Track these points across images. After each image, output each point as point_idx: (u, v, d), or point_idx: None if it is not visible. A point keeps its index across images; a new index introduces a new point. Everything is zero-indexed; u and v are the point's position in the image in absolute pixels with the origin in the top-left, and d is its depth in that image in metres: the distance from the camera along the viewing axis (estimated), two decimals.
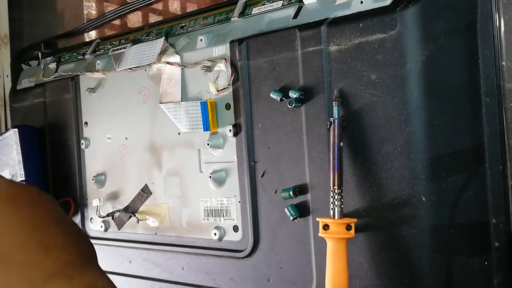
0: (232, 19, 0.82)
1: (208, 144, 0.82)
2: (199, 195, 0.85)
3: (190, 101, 0.84)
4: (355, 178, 0.67)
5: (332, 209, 0.65)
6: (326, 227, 0.65)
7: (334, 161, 0.65)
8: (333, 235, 0.65)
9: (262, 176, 0.77)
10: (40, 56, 1.21)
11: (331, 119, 0.67)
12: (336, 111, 0.67)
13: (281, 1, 0.77)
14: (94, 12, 1.40)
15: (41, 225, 0.40)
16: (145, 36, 0.98)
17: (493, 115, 0.65)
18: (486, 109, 0.65)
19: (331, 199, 0.65)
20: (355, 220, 0.66)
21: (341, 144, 0.66)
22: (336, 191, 0.65)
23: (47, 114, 1.13)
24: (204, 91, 0.84)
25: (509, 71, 0.65)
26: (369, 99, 0.65)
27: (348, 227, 0.65)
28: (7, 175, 1.09)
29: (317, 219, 0.67)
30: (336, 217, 0.65)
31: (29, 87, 1.19)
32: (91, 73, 1.01)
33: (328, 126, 0.68)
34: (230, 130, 0.80)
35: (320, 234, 0.66)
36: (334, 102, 0.67)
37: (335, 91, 0.68)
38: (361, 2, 0.67)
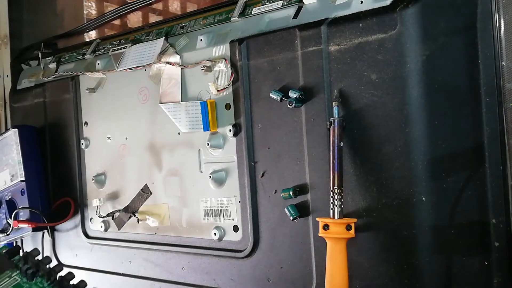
0: (232, 19, 0.82)
1: (208, 144, 0.82)
2: (199, 195, 0.85)
3: (190, 101, 0.84)
4: (355, 178, 0.67)
5: (332, 209, 0.65)
6: (326, 227, 0.65)
7: (334, 161, 0.65)
8: (333, 235, 0.65)
9: (262, 176, 0.77)
10: (40, 56, 1.21)
11: (331, 119, 0.67)
12: (336, 111, 0.67)
13: (281, 1, 0.77)
14: (94, 12, 1.40)
15: None
16: (145, 36, 0.98)
17: (493, 115, 0.65)
18: (486, 109, 0.65)
19: (331, 199, 0.65)
20: (355, 220, 0.66)
21: (341, 144, 0.66)
22: (336, 191, 0.65)
23: (47, 114, 1.13)
24: (204, 91, 0.84)
25: (509, 71, 0.65)
26: (369, 99, 0.65)
27: (348, 227, 0.65)
28: (7, 175, 1.09)
29: (317, 219, 0.67)
30: (336, 217, 0.65)
31: (29, 87, 1.19)
32: (91, 73, 1.01)
33: (328, 126, 0.68)
34: (230, 130, 0.80)
35: (320, 234, 0.66)
36: (334, 102, 0.67)
37: (335, 91, 0.68)
38: (361, 2, 0.67)
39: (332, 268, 0.65)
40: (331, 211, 0.65)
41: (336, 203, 0.65)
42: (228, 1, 0.86)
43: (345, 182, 0.66)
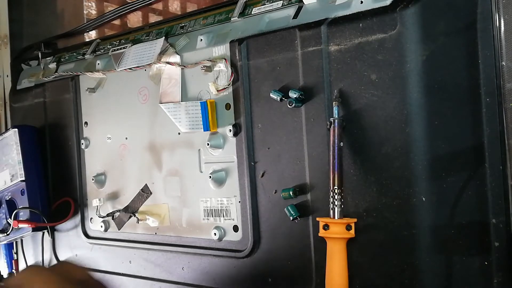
0: (232, 19, 0.82)
1: (208, 144, 0.82)
2: (199, 195, 0.85)
3: (190, 101, 0.84)
4: (355, 178, 0.67)
5: (332, 209, 0.65)
6: (326, 227, 0.65)
7: (334, 161, 0.65)
8: (333, 235, 0.65)
9: (262, 176, 0.77)
10: (40, 56, 1.21)
11: (331, 119, 0.67)
12: (336, 111, 0.67)
13: (281, 1, 0.77)
14: (94, 12, 1.40)
15: None
16: (145, 36, 0.98)
17: (493, 115, 0.65)
18: (486, 109, 0.65)
19: (331, 199, 0.65)
20: (355, 220, 0.66)
21: (341, 144, 0.66)
22: (336, 191, 0.65)
23: (47, 114, 1.13)
24: (204, 91, 0.84)
25: (509, 71, 0.65)
26: (369, 99, 0.65)
27: (348, 227, 0.65)
28: (7, 175, 1.09)
29: (317, 219, 0.67)
30: (336, 217, 0.65)
31: (29, 87, 1.19)
32: (91, 73, 1.01)
33: (328, 126, 0.68)
34: (230, 130, 0.80)
35: (320, 234, 0.66)
36: (334, 102, 0.67)
37: (335, 91, 0.68)
38: (361, 2, 0.67)
39: (332, 268, 0.65)
40: (331, 211, 0.65)
41: (336, 203, 0.65)
42: (228, 1, 0.86)
43: (345, 182, 0.66)
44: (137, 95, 0.95)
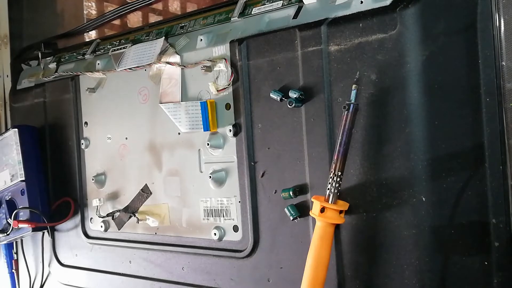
0: (232, 19, 0.82)
1: (208, 144, 0.82)
2: (199, 195, 0.85)
3: (190, 101, 0.84)
4: (355, 178, 0.67)
5: (332, 192, 0.64)
6: (322, 210, 0.65)
7: (341, 147, 0.64)
8: (328, 219, 0.64)
9: (262, 176, 0.77)
10: (40, 56, 1.21)
11: (347, 102, 0.65)
12: (353, 95, 0.65)
13: (281, 1, 0.77)
14: (94, 12, 1.40)
15: None
16: (145, 36, 0.98)
17: (493, 115, 0.65)
18: (486, 109, 0.65)
19: (332, 183, 0.64)
20: (347, 205, 0.66)
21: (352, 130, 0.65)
22: (337, 177, 0.64)
23: (47, 114, 1.13)
24: (204, 91, 0.84)
25: (509, 71, 0.65)
26: (369, 99, 0.65)
27: (340, 213, 0.65)
28: (7, 175, 1.09)
29: (313, 198, 0.66)
30: (330, 202, 0.65)
31: (29, 87, 1.19)
32: (91, 73, 1.01)
33: (345, 110, 0.66)
34: (230, 130, 0.80)
35: (313, 215, 0.65)
36: (354, 85, 0.65)
37: (357, 72, 0.66)
38: (361, 2, 0.67)
39: (320, 251, 0.64)
40: (328, 195, 0.65)
41: (335, 188, 0.64)
42: (228, 1, 0.86)
43: (345, 182, 0.66)
44: (137, 95, 0.95)
